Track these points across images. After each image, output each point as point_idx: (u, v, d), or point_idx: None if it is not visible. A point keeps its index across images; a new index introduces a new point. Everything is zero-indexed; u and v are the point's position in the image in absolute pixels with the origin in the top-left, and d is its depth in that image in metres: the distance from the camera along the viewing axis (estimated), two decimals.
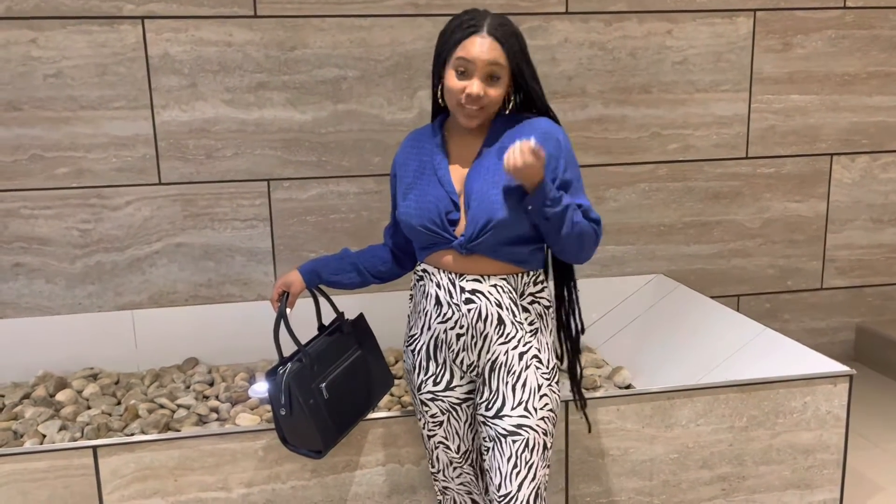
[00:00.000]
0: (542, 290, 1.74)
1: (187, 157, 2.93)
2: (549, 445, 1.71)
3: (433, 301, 1.72)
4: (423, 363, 1.78)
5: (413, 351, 1.80)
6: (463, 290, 1.68)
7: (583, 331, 1.89)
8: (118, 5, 2.79)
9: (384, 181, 3.07)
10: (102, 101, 2.84)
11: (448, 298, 1.70)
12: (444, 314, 1.71)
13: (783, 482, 2.24)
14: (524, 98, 1.70)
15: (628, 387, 2.74)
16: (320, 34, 2.92)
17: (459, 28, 1.64)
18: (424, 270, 1.76)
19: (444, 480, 1.89)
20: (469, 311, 1.68)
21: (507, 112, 1.69)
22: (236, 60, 2.89)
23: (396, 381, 2.79)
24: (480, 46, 1.59)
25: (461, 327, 1.70)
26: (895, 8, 3.29)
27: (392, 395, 2.69)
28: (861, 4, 3.26)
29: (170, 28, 2.83)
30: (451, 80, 1.62)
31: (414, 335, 1.80)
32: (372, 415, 2.04)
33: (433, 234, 1.68)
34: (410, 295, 1.85)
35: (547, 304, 1.75)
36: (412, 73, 3.00)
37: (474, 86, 1.59)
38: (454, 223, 1.68)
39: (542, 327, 1.74)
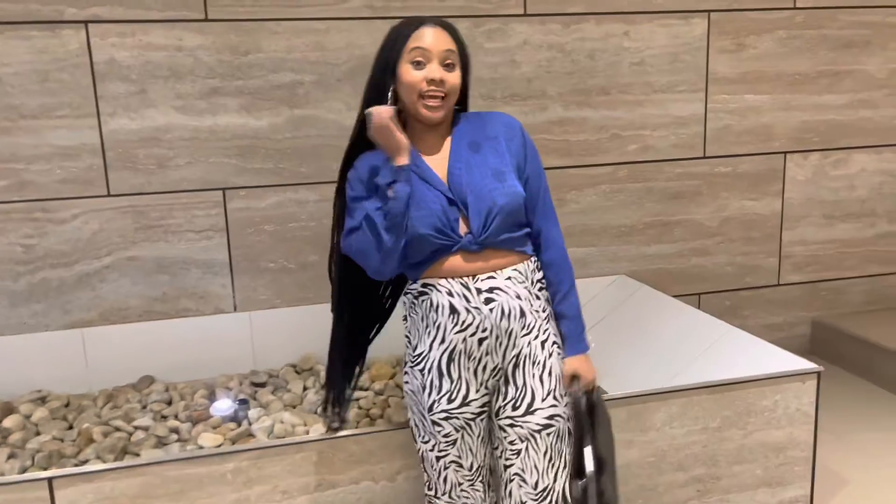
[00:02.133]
0: (542, 276, 1.75)
1: (137, 167, 2.81)
2: (571, 430, 1.73)
3: (446, 311, 1.65)
4: (436, 381, 1.70)
5: (422, 370, 1.71)
6: (479, 290, 1.65)
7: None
8: (59, 9, 2.65)
9: None
10: (44, 109, 2.70)
11: (465, 304, 1.65)
12: (464, 322, 1.65)
13: (756, 481, 2.25)
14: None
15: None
16: (275, 38, 2.83)
17: (405, 26, 1.66)
18: (426, 285, 1.69)
19: (445, 503, 1.81)
20: (492, 310, 1.64)
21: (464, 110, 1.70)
22: (187, 66, 2.78)
23: (363, 394, 2.73)
24: (434, 34, 1.62)
25: (483, 331, 1.65)
26: (843, 8, 3.36)
27: (360, 407, 2.62)
28: (810, 5, 3.33)
29: (115, 33, 2.71)
30: (408, 73, 1.61)
31: (421, 353, 1.71)
32: (343, 432, 1.98)
33: (443, 236, 1.64)
34: (405, 317, 1.79)
35: (545, 287, 1.76)
36: None
37: (434, 70, 1.59)
38: (456, 222, 1.65)
39: (551, 312, 1.75)
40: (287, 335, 3.02)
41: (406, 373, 1.78)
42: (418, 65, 1.60)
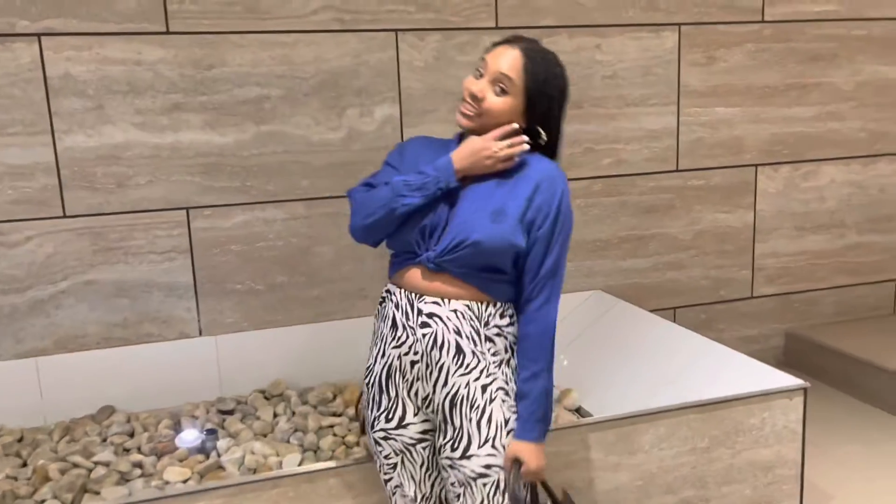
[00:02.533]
0: (510, 325, 1.62)
1: (95, 187, 2.67)
2: None
3: (389, 323, 1.61)
4: (376, 397, 1.64)
5: (368, 384, 1.67)
6: (420, 311, 1.57)
7: None
8: (10, 21, 2.52)
9: (314, 205, 2.89)
10: None
11: (404, 320, 1.58)
12: (399, 338, 1.59)
13: (744, 501, 2.20)
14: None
15: (578, 409, 2.67)
16: (240, 51, 2.73)
17: (503, 40, 1.61)
18: (388, 291, 1.66)
19: None
20: (424, 335, 1.56)
21: (526, 144, 1.57)
22: (147, 80, 2.66)
23: (337, 420, 2.62)
24: (501, 54, 1.56)
25: (416, 353, 1.58)
26: (810, 21, 3.39)
27: (335, 434, 2.51)
28: (778, 18, 3.34)
29: (70, 46, 2.57)
30: (468, 77, 1.59)
31: (369, 366, 1.67)
32: (322, 465, 1.87)
33: (417, 242, 1.58)
34: (374, 323, 1.72)
35: (514, 340, 1.63)
36: (339, 91, 2.85)
37: (477, 85, 1.55)
38: (433, 237, 1.58)
39: (509, 360, 1.63)
40: (255, 360, 2.90)
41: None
42: (479, 76, 1.57)
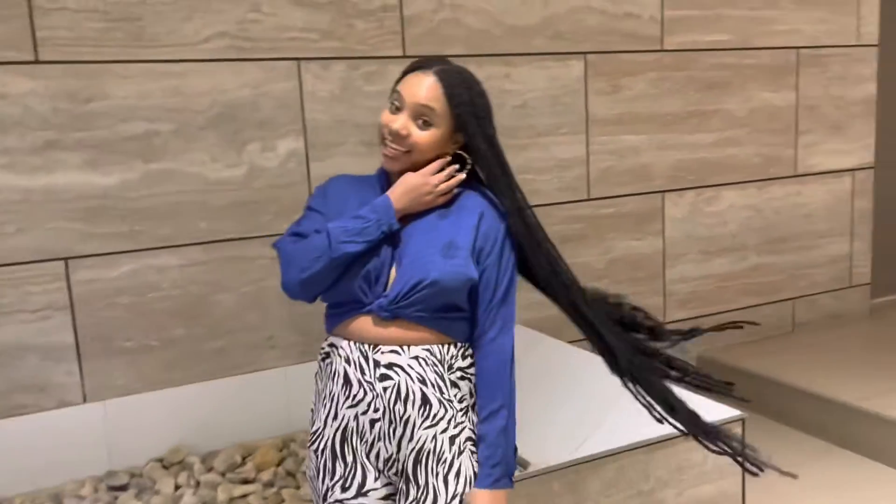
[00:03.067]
0: (472, 366, 1.47)
1: None
2: None
3: (341, 381, 1.42)
4: (329, 464, 1.44)
5: (316, 451, 1.46)
6: (377, 363, 1.40)
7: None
8: None
9: (213, 249, 2.64)
10: None
11: (359, 375, 1.40)
12: (355, 395, 1.41)
13: None
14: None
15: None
16: (123, 82, 2.46)
17: (410, 67, 1.46)
18: (332, 345, 1.47)
19: None
20: (385, 389, 1.39)
21: (462, 176, 1.45)
22: (14, 116, 2.35)
23: (250, 489, 2.36)
24: (416, 83, 1.40)
25: (376, 411, 1.40)
26: (704, 50, 3.47)
27: None
28: (675, 47, 3.40)
29: None
30: (384, 113, 1.43)
31: (317, 430, 1.46)
32: None
33: (363, 289, 1.41)
34: (317, 382, 1.51)
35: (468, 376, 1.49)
36: (238, 125, 2.62)
37: (398, 121, 1.40)
38: (379, 282, 1.42)
39: (474, 405, 1.48)
40: (150, 425, 2.59)
41: (308, 455, 1.52)
42: (396, 109, 1.42)
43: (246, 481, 2.41)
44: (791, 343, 3.76)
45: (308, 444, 1.50)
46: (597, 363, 2.65)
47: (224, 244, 2.66)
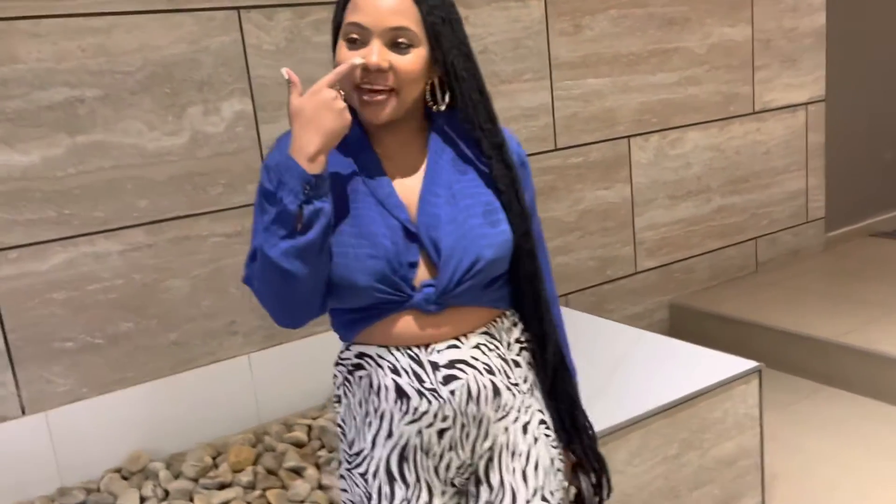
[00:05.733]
0: (523, 333, 1.28)
1: None
2: None
3: (392, 395, 1.18)
4: (385, 489, 1.20)
5: (365, 475, 1.22)
6: (436, 365, 1.17)
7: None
8: None
9: (158, 230, 2.33)
10: None
11: (417, 385, 1.17)
12: (416, 409, 1.17)
13: (714, 501, 2.02)
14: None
15: None
16: (36, 42, 2.09)
17: None
18: (362, 355, 1.21)
19: None
20: (453, 393, 1.17)
21: (442, 107, 1.18)
22: None
23: (229, 495, 2.11)
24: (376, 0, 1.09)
25: (444, 419, 1.18)
26: None
27: None
28: None
29: None
30: (341, 52, 1.11)
31: (362, 451, 1.23)
32: None
33: (389, 289, 1.14)
34: (337, 397, 1.28)
35: (528, 344, 1.29)
36: (176, 86, 2.30)
37: (373, 53, 1.08)
38: (413, 268, 1.15)
39: (534, 381, 1.28)
40: (102, 432, 2.30)
41: (342, 477, 1.29)
42: (356, 43, 1.11)
43: (223, 486, 2.15)
44: (758, 283, 3.72)
45: (348, 467, 1.26)
46: (594, 326, 2.51)
47: (170, 223, 2.35)
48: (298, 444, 2.34)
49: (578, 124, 3.17)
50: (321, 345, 2.32)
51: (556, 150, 3.12)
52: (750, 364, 2.02)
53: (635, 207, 3.41)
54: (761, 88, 3.73)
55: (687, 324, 3.55)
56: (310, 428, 2.43)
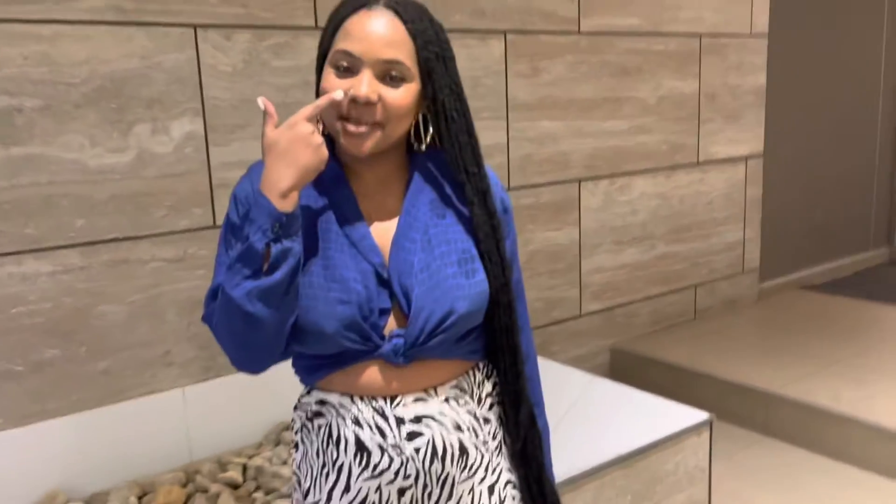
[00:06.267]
0: (495, 387, 1.21)
1: None
2: None
3: (352, 449, 1.10)
4: None
5: None
6: (401, 420, 1.09)
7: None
8: None
9: (93, 251, 2.19)
10: None
11: (379, 439, 1.09)
12: (376, 465, 1.09)
13: None
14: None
15: None
16: None
17: (343, 5, 1.08)
18: (323, 402, 1.13)
19: None
20: (418, 450, 1.09)
21: (424, 146, 1.13)
22: None
23: None
24: (370, 27, 1.04)
25: (406, 478, 1.10)
26: (618, 35, 3.37)
27: None
28: (591, 30, 3.27)
29: None
30: (327, 80, 1.04)
31: (317, 502, 1.14)
32: None
33: (356, 336, 1.07)
34: (296, 444, 1.19)
35: (499, 399, 1.22)
36: (124, 102, 2.18)
37: (363, 84, 1.02)
38: (384, 314, 1.08)
39: (503, 436, 1.22)
40: (17, 469, 2.12)
41: None
42: (345, 71, 1.04)
43: None
44: (697, 330, 3.78)
45: None
46: (544, 368, 2.46)
47: (107, 245, 2.21)
48: (233, 485, 2.21)
49: (532, 165, 3.18)
50: (261, 379, 2.20)
51: (509, 189, 3.11)
52: (702, 416, 2.02)
53: (583, 250, 3.43)
54: (706, 141, 3.84)
55: (628, 368, 3.57)
56: (245, 468, 2.30)
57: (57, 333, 2.17)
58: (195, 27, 2.28)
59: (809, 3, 4.42)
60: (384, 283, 1.09)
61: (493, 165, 3.01)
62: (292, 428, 1.22)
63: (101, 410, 2.25)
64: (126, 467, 2.26)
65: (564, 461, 1.85)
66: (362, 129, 1.04)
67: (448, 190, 1.15)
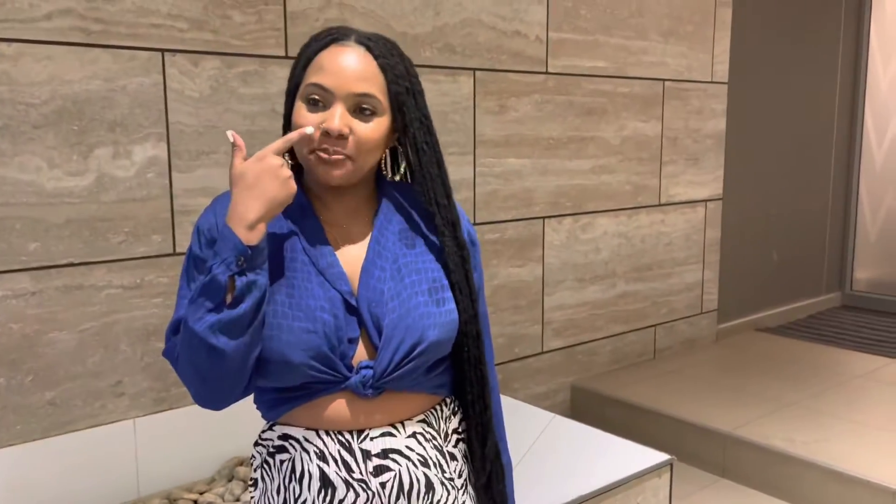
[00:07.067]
0: (461, 423, 1.19)
1: None
2: None
3: (316, 484, 1.07)
4: None
5: None
6: (367, 454, 1.07)
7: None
8: None
9: (46, 277, 2.12)
10: None
11: (344, 474, 1.07)
12: (342, 500, 1.07)
13: None
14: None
15: None
16: None
17: (315, 40, 1.10)
18: (286, 437, 1.10)
19: None
20: (384, 485, 1.07)
21: (396, 178, 1.14)
22: None
23: None
24: (342, 62, 1.05)
25: None
26: (584, 76, 3.43)
27: None
28: (559, 70, 3.33)
29: None
30: (299, 114, 1.05)
31: None
32: None
33: (323, 368, 1.05)
34: (253, 480, 1.15)
35: (464, 435, 1.21)
36: (85, 124, 2.14)
37: (335, 118, 1.03)
38: (352, 344, 1.07)
39: (469, 472, 1.20)
40: None
41: None
42: (316, 104, 1.05)
43: None
44: (657, 370, 3.81)
45: None
46: (506, 406, 2.46)
47: (61, 270, 2.15)
48: None
49: (497, 201, 3.19)
50: (216, 413, 2.15)
51: (475, 224, 3.12)
52: (663, 457, 2.02)
53: (546, 287, 3.44)
54: (667, 182, 3.91)
55: (588, 406, 3.57)
56: (195, 503, 2.23)
57: (3, 361, 2.08)
58: (163, 51, 2.25)
59: (767, 54, 4.56)
60: (352, 310, 1.07)
61: (459, 200, 3.01)
62: (251, 465, 1.18)
63: (45, 442, 2.16)
64: (70, 501, 2.17)
65: (527, 500, 1.83)
66: (336, 157, 1.05)
67: (416, 218, 1.15)
